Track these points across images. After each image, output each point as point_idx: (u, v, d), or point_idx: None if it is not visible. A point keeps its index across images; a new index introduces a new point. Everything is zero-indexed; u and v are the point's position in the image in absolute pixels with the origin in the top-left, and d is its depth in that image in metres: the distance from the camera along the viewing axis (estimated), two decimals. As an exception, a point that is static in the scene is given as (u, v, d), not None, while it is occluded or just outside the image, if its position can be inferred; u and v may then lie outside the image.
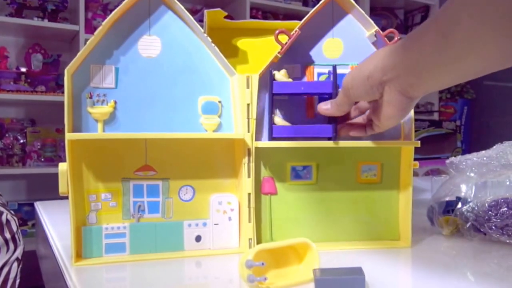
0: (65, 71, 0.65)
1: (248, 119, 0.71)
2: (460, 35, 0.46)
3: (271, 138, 0.71)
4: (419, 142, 0.73)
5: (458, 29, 0.46)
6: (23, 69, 2.64)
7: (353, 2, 0.74)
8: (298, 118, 0.74)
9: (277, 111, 0.74)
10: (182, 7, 0.70)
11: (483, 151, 0.86)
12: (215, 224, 0.72)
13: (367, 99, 0.63)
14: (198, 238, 0.71)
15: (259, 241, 0.74)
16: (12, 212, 1.24)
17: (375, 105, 0.63)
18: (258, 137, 0.72)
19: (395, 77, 0.56)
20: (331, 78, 0.71)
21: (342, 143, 0.73)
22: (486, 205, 0.77)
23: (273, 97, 0.72)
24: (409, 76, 0.55)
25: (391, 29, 0.74)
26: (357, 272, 0.54)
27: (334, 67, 0.70)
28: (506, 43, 0.44)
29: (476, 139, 3.74)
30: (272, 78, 0.71)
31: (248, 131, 0.71)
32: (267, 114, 0.73)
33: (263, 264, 0.53)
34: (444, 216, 0.82)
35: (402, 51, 0.55)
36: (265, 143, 0.72)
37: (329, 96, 0.70)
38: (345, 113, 0.67)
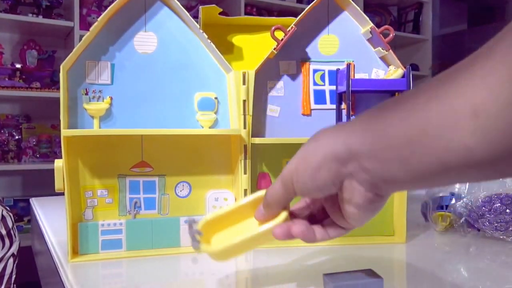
0: (61, 67, 0.65)
1: (244, 115, 0.71)
2: None
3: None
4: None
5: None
6: (18, 65, 2.63)
7: (349, -1, 0.74)
8: (293, 115, 0.75)
9: (272, 106, 0.74)
10: (178, 3, 0.70)
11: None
12: (211, 220, 0.72)
13: (319, 195, 0.45)
14: (194, 234, 0.72)
15: (254, 237, 0.74)
16: (8, 208, 1.24)
17: (332, 201, 0.47)
18: (255, 133, 0.72)
19: (359, 169, 0.40)
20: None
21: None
22: (480, 200, 0.78)
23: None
24: (385, 163, 0.38)
25: (387, 26, 0.74)
26: (373, 275, 0.52)
27: (409, 68, 0.72)
28: None
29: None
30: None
31: (245, 127, 0.71)
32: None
33: (199, 233, 0.49)
34: (438, 212, 0.83)
35: (374, 126, 0.39)
36: (261, 139, 0.72)
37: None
38: (282, 207, 0.49)
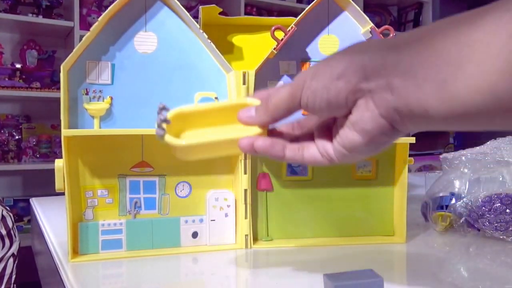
0: (61, 67, 0.65)
1: (244, 115, 0.71)
2: None
3: None
4: (413, 138, 0.73)
5: None
6: (18, 65, 2.63)
7: (349, -1, 0.74)
8: (294, 114, 0.75)
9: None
10: (178, 3, 0.70)
11: (477, 147, 0.86)
12: (211, 220, 0.72)
13: (325, 113, 0.40)
14: (194, 234, 0.72)
15: (255, 237, 0.74)
16: (8, 208, 1.24)
17: (327, 124, 0.43)
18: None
19: (383, 86, 0.35)
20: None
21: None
22: (480, 200, 0.78)
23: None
24: (411, 87, 0.33)
25: (387, 26, 0.74)
26: (373, 275, 0.53)
27: None
28: None
29: (468, 135, 3.76)
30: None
31: (244, 128, 0.71)
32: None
33: (167, 121, 0.46)
34: (438, 212, 0.83)
35: (408, 45, 0.34)
36: (261, 139, 0.72)
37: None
38: (277, 118, 0.44)
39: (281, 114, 0.43)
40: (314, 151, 0.43)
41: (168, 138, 0.46)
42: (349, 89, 0.36)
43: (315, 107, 0.39)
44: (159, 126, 0.45)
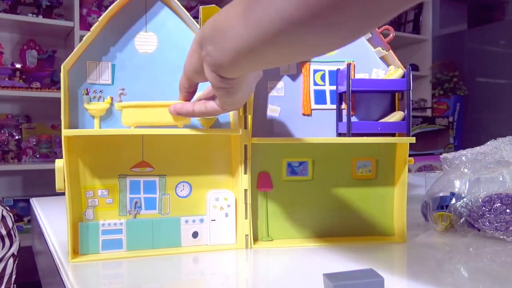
0: (61, 67, 0.65)
1: (245, 115, 0.71)
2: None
3: (350, 134, 0.72)
4: (414, 138, 0.73)
5: None
6: (18, 65, 2.63)
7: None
8: (293, 115, 0.75)
9: (272, 106, 0.74)
10: (178, 3, 0.70)
11: (478, 147, 0.86)
12: (212, 220, 0.72)
13: (196, 78, 0.57)
14: (195, 234, 0.72)
15: (255, 237, 0.74)
16: (8, 208, 1.24)
17: None
18: (255, 133, 0.73)
19: (207, 52, 0.50)
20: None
21: (338, 140, 0.74)
22: (480, 200, 0.78)
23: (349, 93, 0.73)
24: (214, 49, 0.48)
25: (387, 26, 0.74)
26: (373, 275, 0.53)
27: (409, 68, 0.73)
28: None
29: (468, 135, 3.76)
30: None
31: (245, 127, 0.71)
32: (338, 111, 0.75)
33: (124, 92, 0.68)
34: (438, 212, 0.83)
35: (214, 18, 0.49)
36: (261, 139, 0.72)
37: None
38: (190, 92, 0.62)
39: (187, 89, 0.61)
40: (213, 104, 0.58)
41: (121, 103, 0.66)
42: (197, 57, 0.52)
43: (191, 76, 0.57)
44: (119, 96, 0.67)
